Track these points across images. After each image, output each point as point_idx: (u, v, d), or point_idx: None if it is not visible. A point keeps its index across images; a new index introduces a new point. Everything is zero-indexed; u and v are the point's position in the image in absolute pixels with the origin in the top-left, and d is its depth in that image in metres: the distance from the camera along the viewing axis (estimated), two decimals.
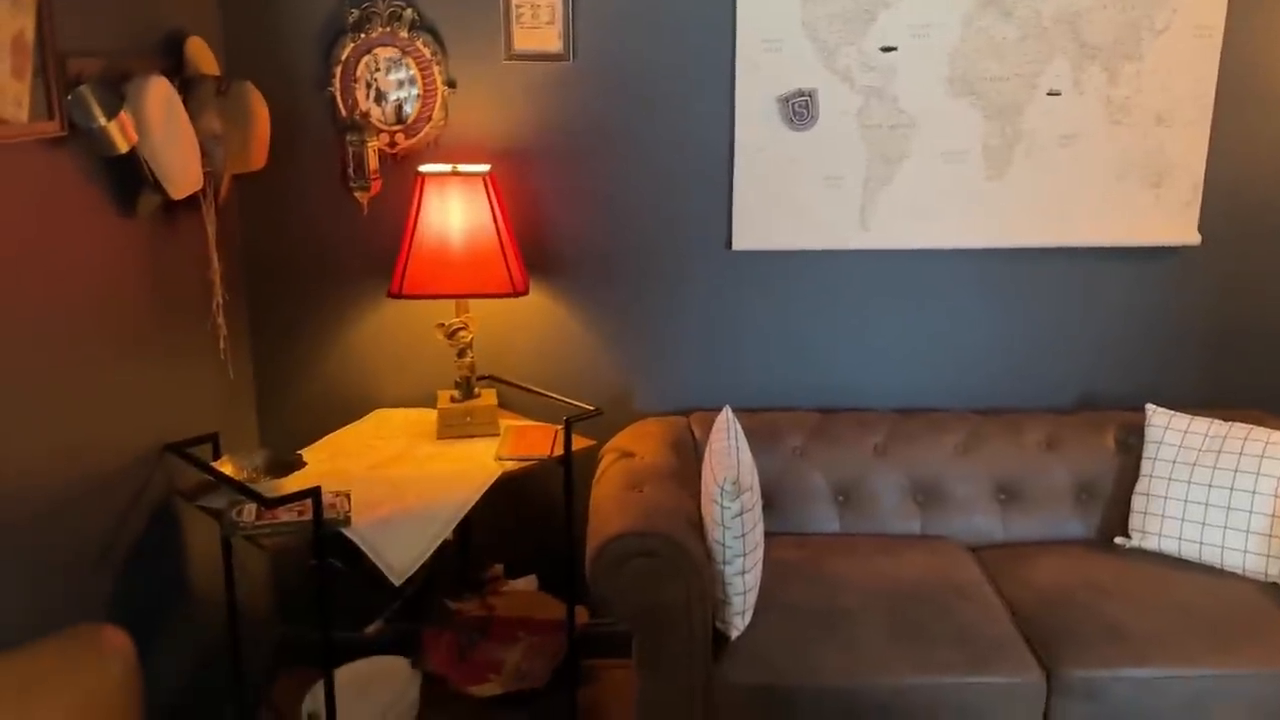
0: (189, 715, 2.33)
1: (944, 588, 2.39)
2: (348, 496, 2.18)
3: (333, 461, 2.42)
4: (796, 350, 2.86)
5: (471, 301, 2.59)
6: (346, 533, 2.09)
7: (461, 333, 2.56)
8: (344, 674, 2.54)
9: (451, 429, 2.57)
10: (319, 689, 2.47)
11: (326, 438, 2.58)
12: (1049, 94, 2.72)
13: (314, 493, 2.00)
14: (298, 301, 2.77)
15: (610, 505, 2.24)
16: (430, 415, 2.65)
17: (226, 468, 2.25)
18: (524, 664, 2.52)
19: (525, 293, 2.55)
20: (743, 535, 2.14)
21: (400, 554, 2.11)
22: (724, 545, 2.15)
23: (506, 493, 2.81)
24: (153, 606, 2.18)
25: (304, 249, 2.74)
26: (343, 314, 2.79)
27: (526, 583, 2.88)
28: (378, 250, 2.73)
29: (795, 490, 2.68)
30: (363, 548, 2.08)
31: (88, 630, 1.34)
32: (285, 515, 2.07)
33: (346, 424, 2.68)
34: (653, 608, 2.09)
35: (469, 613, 2.63)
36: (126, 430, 2.08)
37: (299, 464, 2.28)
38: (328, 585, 2.08)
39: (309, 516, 2.04)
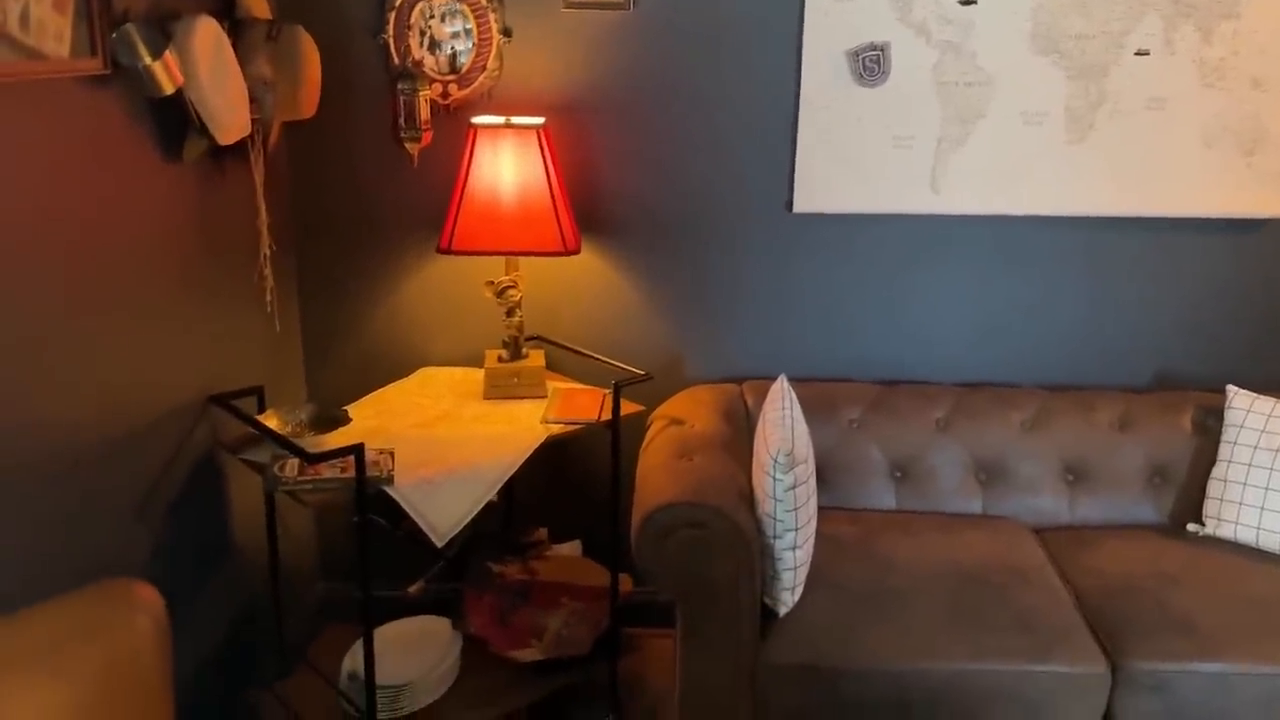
0: (229, 669, 2.32)
1: (1005, 570, 2.29)
2: (391, 455, 2.13)
3: (378, 419, 2.37)
4: (857, 319, 2.75)
5: (521, 260, 2.52)
6: (389, 491, 2.04)
7: (510, 291, 2.49)
8: (386, 633, 2.51)
9: (498, 389, 2.51)
10: (359, 648, 2.45)
11: (373, 394, 2.54)
12: (1137, 54, 2.56)
13: (357, 450, 1.96)
14: (346, 254, 2.72)
15: (658, 474, 2.16)
16: (477, 375, 2.59)
17: (271, 421, 2.22)
18: (565, 631, 2.47)
19: (576, 252, 2.47)
20: (795, 509, 2.06)
21: (443, 515, 2.06)
22: (775, 519, 2.06)
23: (552, 456, 2.76)
24: (194, 558, 2.17)
25: (353, 200, 2.68)
26: (391, 268, 2.73)
27: (570, 548, 2.83)
28: (427, 204, 2.67)
29: (850, 464, 2.58)
30: (405, 508, 2.04)
31: (118, 585, 1.31)
32: (328, 471, 2.03)
33: (393, 381, 2.64)
34: (699, 582, 2.02)
35: (511, 576, 2.58)
36: (170, 380, 2.05)
37: (344, 420, 2.23)
38: (370, 543, 2.04)
39: (352, 474, 2.00)
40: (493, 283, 2.49)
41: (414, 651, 2.47)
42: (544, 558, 2.74)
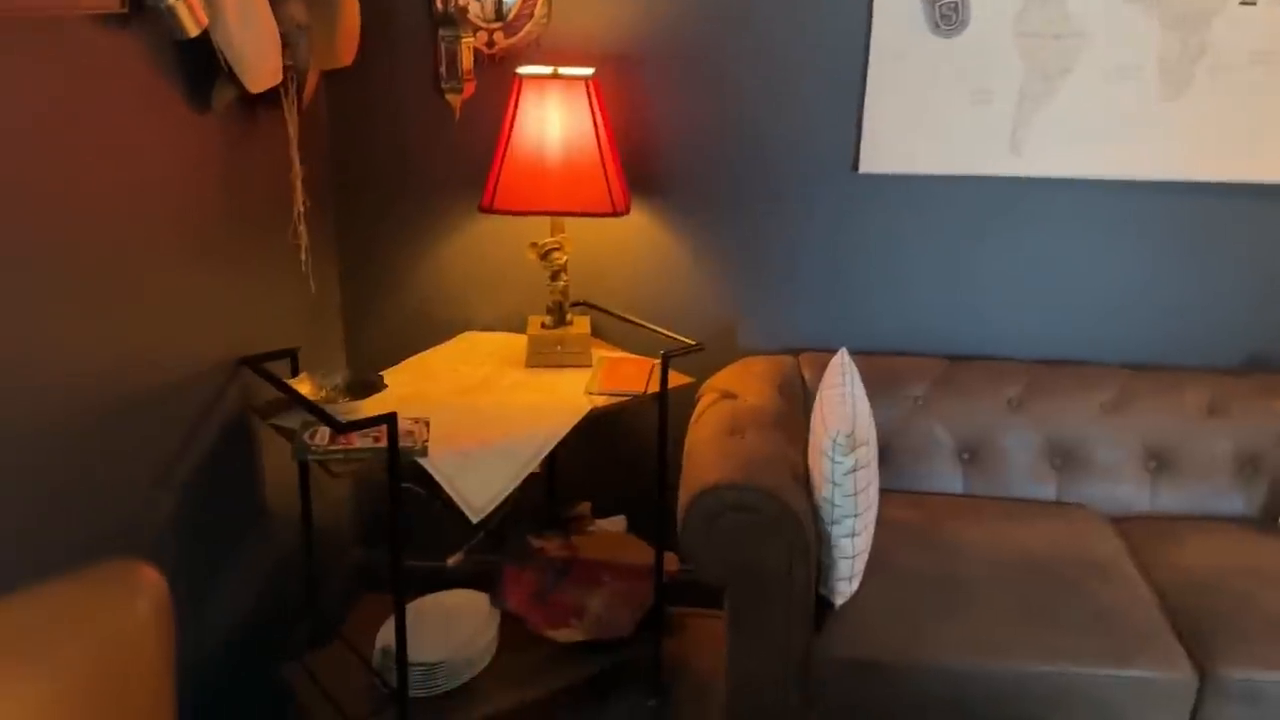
0: (259, 640, 2.24)
1: (1080, 563, 2.12)
2: (427, 424, 2.02)
3: (415, 385, 2.26)
4: (924, 289, 2.57)
5: (567, 221, 2.38)
6: (423, 463, 1.93)
7: (555, 254, 2.35)
8: (422, 606, 2.42)
9: (541, 357, 2.38)
10: (389, 625, 2.36)
11: (411, 359, 2.43)
12: (1242, 3, 2.32)
13: (390, 419, 1.84)
14: (385, 212, 2.60)
15: (707, 451, 2.03)
16: (520, 341, 2.47)
17: (303, 386, 2.12)
18: (607, 611, 2.36)
19: (626, 212, 2.33)
20: (854, 494, 1.91)
21: (479, 490, 1.94)
22: (833, 504, 1.92)
23: (597, 428, 2.63)
24: (223, 525, 2.08)
25: (393, 155, 2.56)
26: (432, 227, 2.61)
27: (614, 523, 2.72)
28: (470, 159, 2.54)
29: (915, 445, 2.42)
30: (439, 481, 1.93)
31: (118, 567, 1.21)
32: (360, 441, 1.92)
33: (433, 345, 2.53)
34: (749, 569, 1.89)
35: (552, 552, 2.47)
36: (197, 341, 1.96)
37: (379, 385, 2.13)
38: (406, 513, 1.93)
39: (385, 444, 1.89)
40: (537, 244, 2.35)
41: (450, 627, 2.38)
42: (587, 533, 2.63)
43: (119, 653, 1.13)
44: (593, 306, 2.57)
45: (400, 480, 1.90)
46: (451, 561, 2.61)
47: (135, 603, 1.17)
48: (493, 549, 2.55)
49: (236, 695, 2.15)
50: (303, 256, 2.18)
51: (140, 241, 1.75)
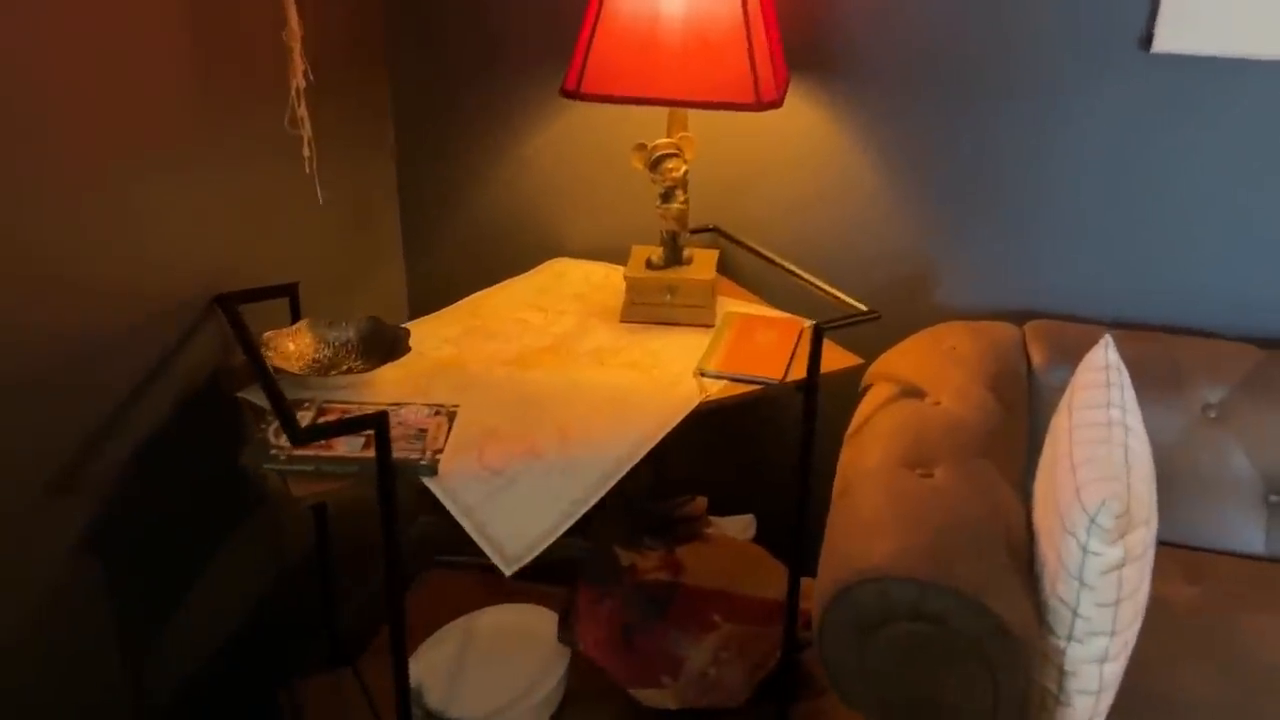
0: (268, 648, 1.71)
1: None
2: (450, 417, 1.37)
3: (459, 343, 1.61)
4: (1231, 233, 1.69)
5: (691, 116, 1.63)
6: (431, 487, 1.29)
7: (671, 162, 1.61)
8: (477, 624, 1.84)
9: (641, 310, 1.68)
10: (430, 650, 1.79)
11: (475, 296, 1.78)
12: None
13: (377, 422, 1.20)
14: (454, 92, 1.92)
15: (871, 497, 1.29)
16: (620, 275, 1.77)
17: (295, 340, 1.51)
18: (714, 669, 1.70)
19: (778, 104, 1.55)
20: (1116, 603, 1.14)
21: (515, 530, 1.29)
22: (1076, 613, 1.16)
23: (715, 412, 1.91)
24: (208, 512, 1.53)
25: (463, 13, 1.86)
26: (508, 115, 1.91)
27: (739, 525, 2.03)
28: (558, 21, 1.81)
29: (1199, 476, 1.60)
30: (452, 512, 1.28)
31: None
32: (343, 445, 1.30)
33: (513, 275, 1.86)
34: (923, 709, 1.16)
35: (647, 571, 1.82)
36: (157, 271, 1.37)
37: (401, 345, 1.49)
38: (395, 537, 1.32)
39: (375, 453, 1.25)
40: (645, 148, 1.62)
41: (505, 662, 1.79)
42: (700, 539, 1.95)
43: None
44: (723, 235, 1.82)
45: (393, 519, 1.26)
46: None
47: None
48: (578, 530, 1.91)
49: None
50: (305, 153, 1.53)
51: (60, 127, 1.14)
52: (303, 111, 1.50)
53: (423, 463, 1.27)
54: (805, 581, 1.63)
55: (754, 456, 2.02)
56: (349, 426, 1.22)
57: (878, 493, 1.29)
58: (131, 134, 1.31)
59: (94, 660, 1.36)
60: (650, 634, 1.73)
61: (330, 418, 1.35)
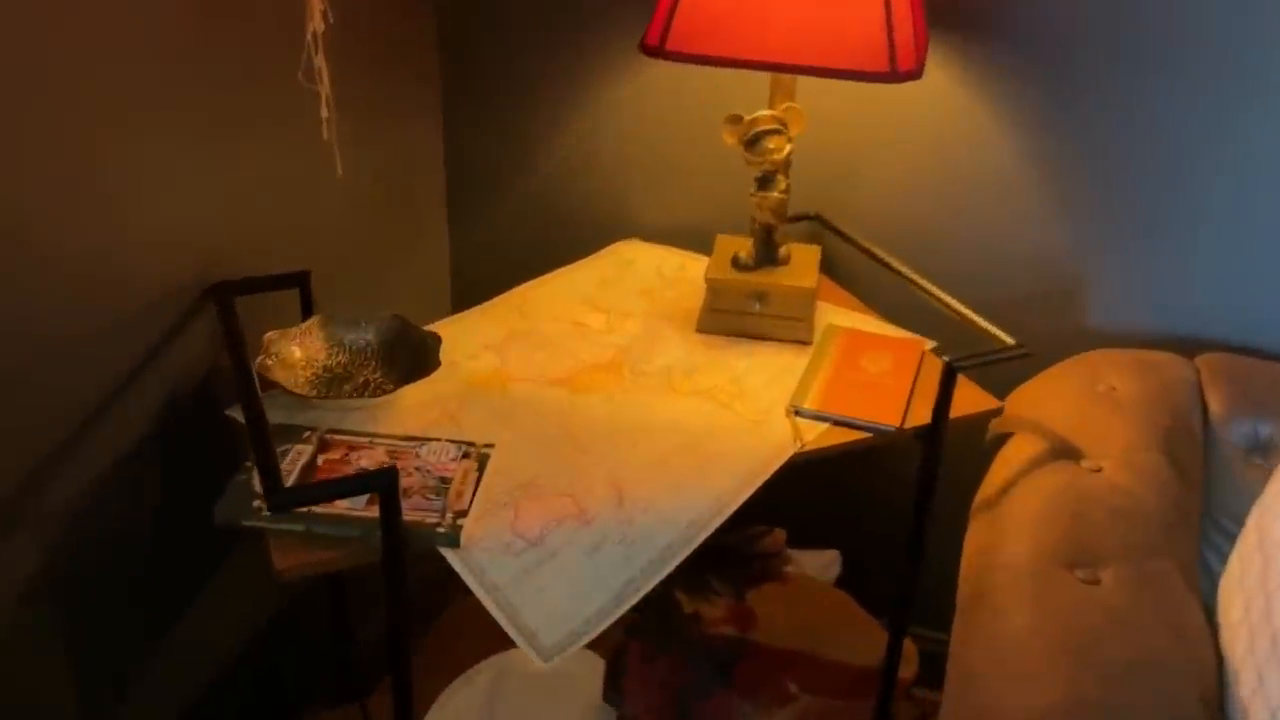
0: (272, 668, 1.49)
1: None
2: (481, 461, 1.09)
3: (501, 352, 1.33)
4: None
5: (800, 84, 1.31)
6: (452, 560, 1.02)
7: (772, 140, 1.30)
8: (509, 663, 1.59)
9: (723, 319, 1.38)
10: (456, 693, 1.55)
11: (517, 290, 1.49)
12: None
13: (384, 483, 0.93)
14: (503, 41, 1.61)
15: (1018, 610, 0.98)
16: (700, 266, 1.47)
17: (305, 342, 1.24)
18: None
19: (917, 74, 1.22)
20: None
21: (552, 616, 1.01)
22: None
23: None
24: (202, 530, 1.29)
25: None
26: (577, 72, 1.60)
27: (822, 563, 1.74)
28: None
29: None
30: (476, 592, 1.01)
31: None
32: (343, 501, 1.03)
33: (575, 259, 1.57)
34: None
35: (713, 623, 1.54)
36: (138, 251, 1.11)
37: (429, 360, 1.22)
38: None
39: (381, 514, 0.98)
40: (740, 121, 1.30)
41: (540, 713, 1.54)
42: (776, 577, 1.67)
43: None
44: (826, 225, 1.50)
45: (399, 581, 0.99)
46: None
47: None
48: None
49: None
50: (323, 113, 1.24)
51: (19, 71, 0.88)
52: (320, 61, 1.21)
53: (441, 529, 1.00)
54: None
55: (843, 485, 1.73)
56: (347, 487, 0.95)
57: (1027, 605, 0.98)
58: (105, 86, 1.03)
59: (81, 695, 1.13)
60: (712, 702, 1.46)
61: (334, 454, 1.09)
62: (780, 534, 1.69)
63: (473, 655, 1.61)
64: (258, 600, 1.45)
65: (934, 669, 1.56)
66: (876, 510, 1.71)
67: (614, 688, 1.49)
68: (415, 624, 1.80)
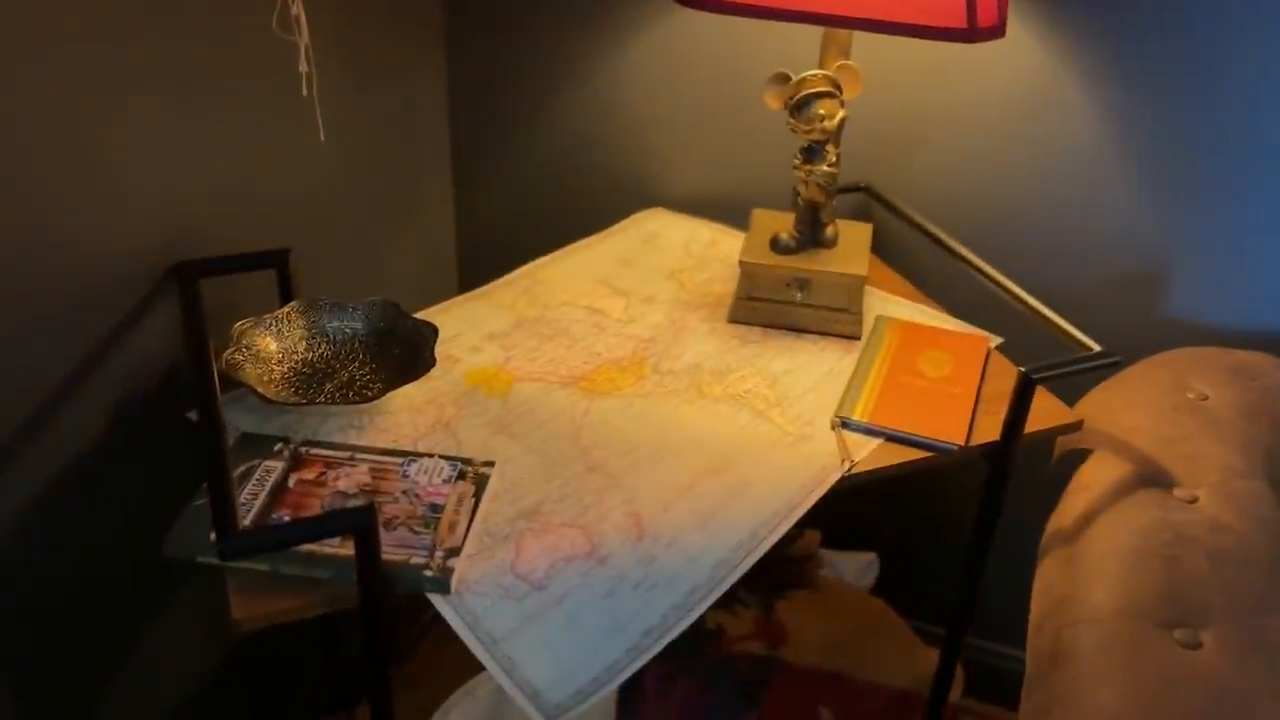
0: (258, 675, 1.36)
1: None
2: (479, 483, 0.94)
3: (507, 343, 1.17)
4: None
5: (856, 41, 1.13)
6: (440, 607, 0.87)
7: (824, 105, 1.12)
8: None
9: (760, 309, 1.21)
10: (456, 706, 1.42)
11: (529, 267, 1.33)
12: None
13: (360, 523, 0.78)
14: None
15: (1105, 681, 0.83)
16: (734, 243, 1.30)
17: (282, 333, 1.09)
18: None
19: (1000, 32, 1.03)
20: None
21: (556, 671, 0.87)
22: None
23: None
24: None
25: None
26: (601, 20, 1.42)
27: (858, 566, 1.60)
28: None
29: None
30: (469, 645, 0.87)
31: None
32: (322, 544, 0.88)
33: (597, 229, 1.41)
34: None
35: (737, 640, 1.41)
36: (89, 225, 0.95)
37: (424, 357, 1.06)
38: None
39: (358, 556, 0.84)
40: (788, 80, 1.12)
41: None
42: (809, 584, 1.53)
43: None
44: (877, 198, 1.33)
45: (378, 634, 0.85)
46: None
47: None
48: None
49: None
50: (302, 67, 1.07)
51: None
52: (298, 8, 1.04)
53: (428, 573, 0.85)
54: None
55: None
56: (316, 529, 0.80)
57: (1116, 674, 0.83)
58: (51, 35, 0.86)
59: (66, 703, 1.01)
60: None
61: (308, 473, 0.94)
62: (814, 536, 1.54)
63: (471, 658, 1.48)
64: None
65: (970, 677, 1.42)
66: (917, 508, 1.56)
67: (629, 713, 1.35)
68: (409, 627, 1.67)
